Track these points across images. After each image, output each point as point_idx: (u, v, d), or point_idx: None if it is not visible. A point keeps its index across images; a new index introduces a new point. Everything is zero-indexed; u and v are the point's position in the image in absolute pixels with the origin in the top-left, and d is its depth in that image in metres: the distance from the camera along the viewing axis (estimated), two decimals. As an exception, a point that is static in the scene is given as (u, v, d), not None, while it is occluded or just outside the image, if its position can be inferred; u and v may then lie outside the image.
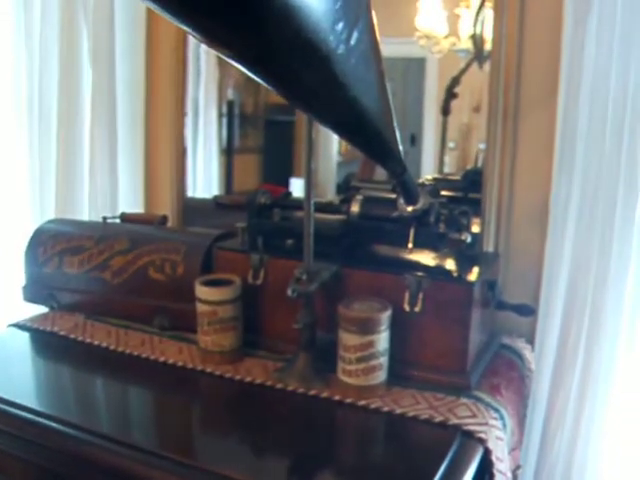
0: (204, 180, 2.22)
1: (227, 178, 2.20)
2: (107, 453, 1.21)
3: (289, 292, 1.38)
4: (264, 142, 2.16)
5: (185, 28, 0.66)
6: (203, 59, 2.13)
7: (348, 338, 1.36)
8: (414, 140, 1.90)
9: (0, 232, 2.28)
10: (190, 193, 2.20)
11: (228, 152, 2.18)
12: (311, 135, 1.33)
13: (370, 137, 1.09)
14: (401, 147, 1.19)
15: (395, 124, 1.13)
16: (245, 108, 2.15)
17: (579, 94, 1.53)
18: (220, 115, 2.15)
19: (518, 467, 1.54)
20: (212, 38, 0.72)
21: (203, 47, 2.12)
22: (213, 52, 2.06)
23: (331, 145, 2.00)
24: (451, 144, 1.87)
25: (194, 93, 2.14)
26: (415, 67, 1.89)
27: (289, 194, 1.73)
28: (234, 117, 2.15)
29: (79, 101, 2.15)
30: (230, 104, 2.14)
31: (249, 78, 2.04)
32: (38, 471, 1.32)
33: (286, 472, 1.19)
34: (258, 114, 2.16)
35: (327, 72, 0.83)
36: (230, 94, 2.14)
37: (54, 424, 1.28)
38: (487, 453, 1.24)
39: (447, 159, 1.90)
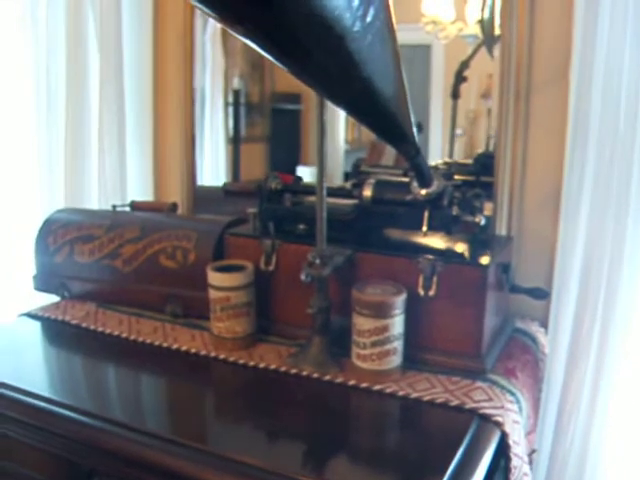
0: (211, 169, 2.20)
1: (234, 167, 2.19)
2: (122, 440, 1.21)
3: (303, 277, 1.37)
4: (271, 131, 2.14)
5: (197, 4, 0.65)
6: (209, 48, 2.12)
7: (362, 322, 1.35)
8: (420, 128, 1.87)
9: (10, 221, 2.27)
10: (197, 183, 2.19)
11: (235, 141, 2.17)
12: (322, 117, 1.31)
13: (384, 118, 1.07)
14: (415, 129, 1.18)
15: (409, 105, 1.12)
16: (251, 97, 2.14)
17: (592, 74, 1.51)
18: (226, 104, 2.14)
19: (533, 451, 1.53)
20: (224, 14, 0.70)
21: (208, 35, 2.11)
22: (219, 41, 2.08)
23: (338, 133, 1.99)
24: (459, 131, 1.86)
25: (200, 82, 2.12)
26: (421, 54, 1.87)
27: (300, 179, 1.72)
28: (240, 106, 2.14)
29: (86, 88, 2.14)
30: (236, 93, 2.13)
31: (255, 67, 2.00)
32: (52, 459, 1.31)
33: (301, 458, 1.18)
34: (264, 103, 2.15)
35: (342, 50, 0.81)
36: (236, 83, 2.12)
37: (68, 412, 1.28)
38: (504, 437, 1.24)
39: (455, 146, 1.88)
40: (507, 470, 1.27)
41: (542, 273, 1.69)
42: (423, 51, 1.87)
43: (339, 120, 1.99)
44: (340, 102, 1.04)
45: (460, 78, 1.84)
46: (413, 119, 1.15)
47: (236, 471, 1.10)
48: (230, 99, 2.14)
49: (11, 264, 2.27)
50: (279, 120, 2.12)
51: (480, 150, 1.86)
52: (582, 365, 1.63)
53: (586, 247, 1.60)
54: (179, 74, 2.11)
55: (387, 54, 0.94)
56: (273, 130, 2.14)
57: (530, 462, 1.50)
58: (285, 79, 2.06)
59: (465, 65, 1.82)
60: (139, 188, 2.24)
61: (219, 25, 2.08)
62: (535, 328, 1.69)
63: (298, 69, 0.89)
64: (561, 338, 1.65)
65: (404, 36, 1.79)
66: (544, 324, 1.70)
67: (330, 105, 1.89)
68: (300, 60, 0.83)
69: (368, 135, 2.01)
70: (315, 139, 1.35)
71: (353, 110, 1.07)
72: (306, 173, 1.94)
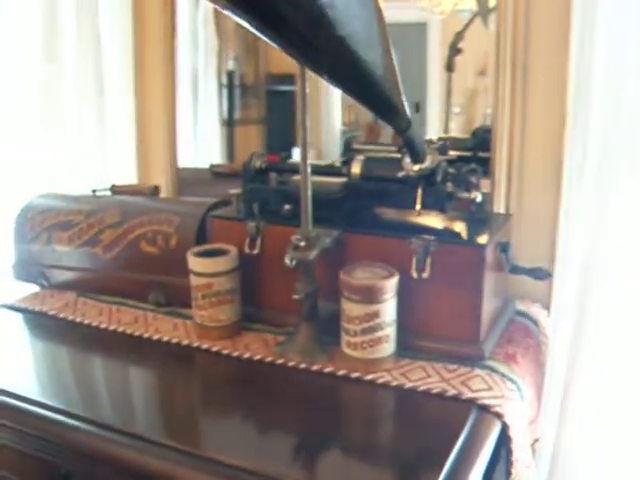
0: (206, 152, 2.15)
1: (229, 149, 2.14)
2: (97, 440, 1.13)
3: (287, 260, 1.29)
4: (266, 112, 2.08)
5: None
6: (201, 29, 2.06)
7: (351, 308, 1.26)
8: (418, 108, 1.81)
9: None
10: (188, 165, 2.13)
11: (229, 123, 2.10)
12: (304, 88, 1.22)
13: (368, 87, 0.99)
14: (404, 99, 1.10)
15: (397, 74, 1.04)
16: (246, 79, 2.08)
17: (594, 40, 1.42)
18: (220, 86, 2.08)
19: (536, 440, 1.46)
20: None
21: (200, 17, 2.05)
22: (212, 22, 2.00)
23: (334, 115, 1.93)
24: (457, 109, 1.78)
25: (193, 64, 2.07)
26: (416, 33, 1.80)
27: (287, 157, 1.63)
28: (234, 88, 2.08)
29: (62, 70, 2.05)
30: (230, 75, 2.07)
31: (249, 48, 1.94)
32: (27, 460, 1.24)
33: (289, 456, 1.09)
34: (259, 84, 2.08)
35: (314, 8, 0.73)
36: (230, 65, 2.07)
37: (42, 410, 1.21)
38: (505, 428, 1.16)
39: (453, 124, 1.81)
40: (509, 463, 1.19)
41: (543, 252, 1.60)
42: (419, 29, 1.80)
43: (335, 101, 1.92)
44: (321, 69, 0.96)
45: (454, 50, 1.75)
46: (402, 89, 1.07)
47: (219, 472, 1.02)
48: (224, 81, 2.07)
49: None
50: (274, 102, 2.06)
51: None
52: (587, 347, 1.55)
53: (589, 224, 1.51)
54: (160, 53, 2.03)
55: (367, 14, 0.86)
56: (268, 112, 2.07)
57: (533, 451, 1.43)
58: (279, 60, 2.00)
59: (459, 36, 1.74)
60: (122, 172, 2.15)
61: (211, 5, 2.00)
62: (537, 310, 1.60)
63: (272, 32, 0.82)
64: (564, 320, 1.57)
65: (399, 14, 1.79)
66: (546, 305, 1.61)
67: (325, 87, 1.82)
68: (271, 21, 0.76)
69: (365, 117, 1.95)
70: (311, 121, 1.26)
71: (336, 79, 0.99)
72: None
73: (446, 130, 1.81)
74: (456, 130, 1.80)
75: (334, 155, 1.92)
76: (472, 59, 1.73)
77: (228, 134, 2.11)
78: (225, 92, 2.08)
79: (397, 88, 1.05)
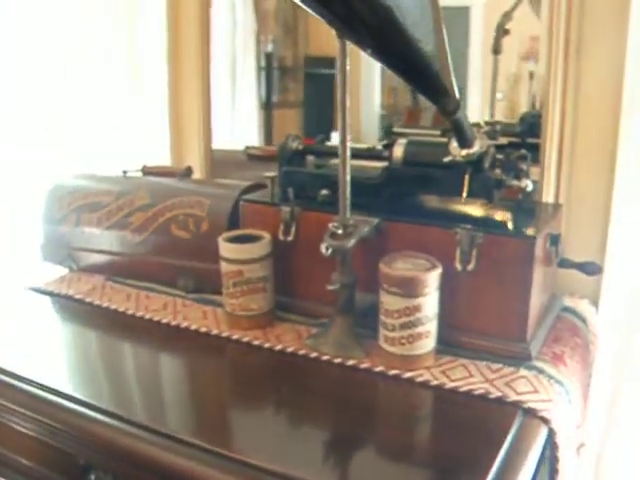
0: (243, 135, 2.11)
1: (267, 133, 2.09)
2: (115, 433, 1.08)
3: (322, 248, 1.22)
4: (304, 96, 2.04)
5: None
6: (239, 11, 2.02)
7: (390, 301, 1.19)
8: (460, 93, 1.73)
9: (18, 189, 2.15)
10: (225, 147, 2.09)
11: (267, 106, 2.06)
12: (345, 65, 1.15)
13: (416, 63, 0.92)
14: (454, 79, 1.03)
15: (448, 52, 0.96)
16: (284, 61, 2.05)
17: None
18: (259, 68, 2.04)
19: (582, 445, 1.38)
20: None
21: None
22: (250, 3, 1.94)
23: (374, 98, 1.87)
24: (499, 95, 1.71)
25: (231, 46, 2.04)
26: (458, 17, 1.73)
27: (324, 139, 1.56)
28: (273, 70, 2.04)
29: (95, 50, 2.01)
30: (269, 57, 2.03)
31: (288, 30, 1.88)
32: (46, 449, 1.19)
33: (320, 457, 1.02)
34: (298, 67, 2.04)
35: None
36: (269, 47, 2.03)
37: (59, 399, 1.16)
38: (551, 434, 1.08)
39: (495, 109, 1.74)
40: (554, 470, 1.11)
41: (593, 245, 1.51)
42: (461, 13, 1.74)
43: (375, 84, 1.87)
44: (365, 44, 0.89)
45: (502, 31, 1.67)
46: (452, 68, 1.00)
47: (245, 474, 0.95)
48: (262, 63, 2.03)
49: (19, 233, 2.15)
50: (313, 85, 2.02)
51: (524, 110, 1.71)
52: (637, 348, 1.46)
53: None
54: (196, 35, 1.98)
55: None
56: (307, 95, 2.03)
57: (578, 456, 1.35)
58: (318, 43, 1.97)
59: (507, 17, 1.66)
60: (156, 154, 2.10)
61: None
62: (585, 306, 1.51)
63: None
64: (613, 317, 1.48)
65: (442, -1, 1.72)
66: (595, 302, 1.52)
67: (365, 68, 1.74)
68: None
69: (405, 100, 1.90)
70: (350, 103, 1.19)
71: (381, 54, 0.92)
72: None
73: (492, 115, 1.73)
74: (499, 116, 1.73)
75: (372, 138, 1.87)
76: (517, 43, 1.66)
77: (266, 117, 2.07)
78: (263, 75, 2.03)
79: (447, 67, 0.99)
